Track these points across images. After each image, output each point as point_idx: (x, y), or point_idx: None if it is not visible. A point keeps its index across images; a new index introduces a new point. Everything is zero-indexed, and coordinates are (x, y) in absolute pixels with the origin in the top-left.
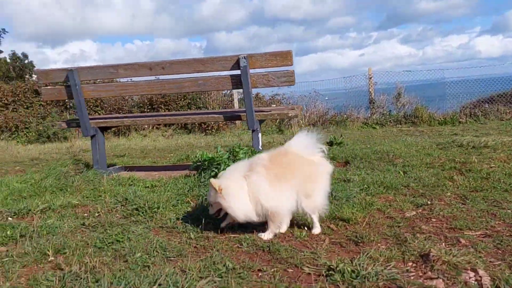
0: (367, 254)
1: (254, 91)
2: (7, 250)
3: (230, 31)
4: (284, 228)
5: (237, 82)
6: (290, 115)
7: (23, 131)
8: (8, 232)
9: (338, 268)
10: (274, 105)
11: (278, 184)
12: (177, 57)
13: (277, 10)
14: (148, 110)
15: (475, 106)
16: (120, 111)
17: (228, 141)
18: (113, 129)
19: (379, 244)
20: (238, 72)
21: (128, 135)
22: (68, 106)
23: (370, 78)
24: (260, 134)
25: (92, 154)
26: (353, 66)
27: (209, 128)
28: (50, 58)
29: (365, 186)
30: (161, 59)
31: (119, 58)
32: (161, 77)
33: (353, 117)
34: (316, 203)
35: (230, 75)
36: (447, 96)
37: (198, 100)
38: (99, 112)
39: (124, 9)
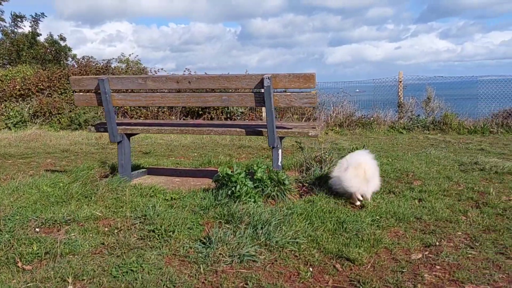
0: None
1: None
2: (31, 270)
3: (266, 18)
4: None
5: (260, 100)
6: (310, 134)
7: (56, 117)
8: (35, 248)
9: None
10: None
11: None
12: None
13: None
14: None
15: (508, 115)
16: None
17: (252, 140)
18: (142, 117)
19: None
20: (261, 90)
21: None
22: None
23: (400, 81)
24: (280, 151)
25: (118, 159)
26: (388, 59)
27: (234, 119)
28: (87, 37)
29: (377, 216)
30: (195, 42)
31: (154, 39)
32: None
33: (380, 120)
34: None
35: (253, 92)
36: (480, 97)
37: None
38: None
39: None
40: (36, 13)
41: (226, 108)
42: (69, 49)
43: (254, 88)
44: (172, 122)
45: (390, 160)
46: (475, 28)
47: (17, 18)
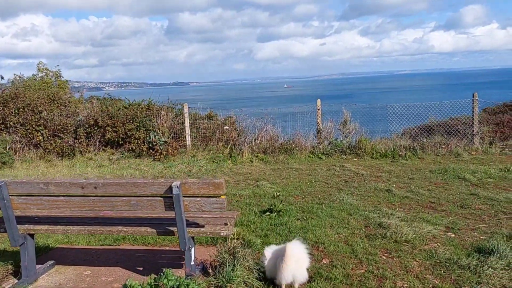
0: None
1: (207, 108)
2: None
3: (194, 12)
4: None
5: (170, 205)
6: (222, 234)
7: None
8: None
9: None
10: (227, 127)
11: None
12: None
13: None
14: (95, 130)
15: (416, 134)
16: (65, 131)
17: (176, 171)
18: (57, 149)
19: None
20: (171, 195)
21: (73, 157)
22: (8, 125)
23: (318, 109)
24: (193, 251)
25: (21, 260)
26: (314, 55)
27: (158, 153)
28: None
29: None
30: (119, 37)
31: (73, 33)
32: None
33: (302, 146)
34: None
35: (163, 197)
36: (390, 115)
37: (148, 122)
38: (41, 131)
39: None
40: None
41: (147, 138)
42: None
43: (163, 193)
44: (82, 217)
45: (305, 218)
46: (392, 25)
47: None
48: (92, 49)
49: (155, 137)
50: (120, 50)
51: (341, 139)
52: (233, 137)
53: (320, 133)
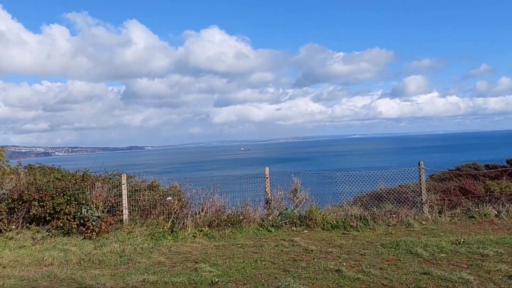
0: None
1: (154, 175)
2: None
3: (152, 78)
4: None
5: None
6: None
7: None
8: None
9: None
10: (170, 197)
11: None
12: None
13: (202, 61)
14: (19, 205)
15: (367, 202)
16: None
17: (107, 252)
18: None
19: None
20: None
21: None
22: None
23: (267, 178)
24: None
25: None
26: (270, 119)
27: (89, 230)
28: None
29: None
30: (73, 101)
31: (25, 98)
32: None
33: (250, 217)
34: None
35: None
36: (341, 180)
37: (80, 195)
38: None
39: (37, 48)
40: None
41: (79, 213)
42: None
43: None
44: None
45: None
46: (342, 93)
47: None
48: (43, 114)
49: (87, 211)
50: (73, 115)
51: (292, 208)
52: (175, 210)
53: (269, 203)
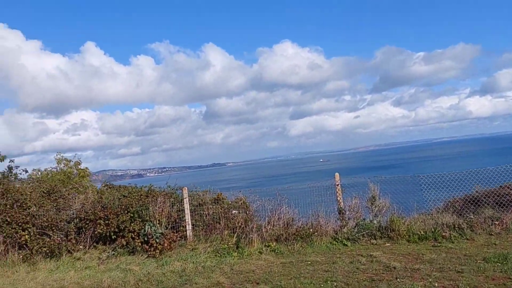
0: None
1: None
2: None
3: (230, 97)
4: None
5: None
6: None
7: None
8: None
9: None
10: (235, 211)
11: None
12: (177, 123)
13: (276, 76)
14: (86, 225)
15: (461, 208)
16: (54, 228)
17: (166, 272)
18: (44, 249)
19: None
20: None
21: (60, 257)
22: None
23: (337, 185)
24: None
25: None
26: (348, 128)
27: (152, 248)
28: (50, 128)
29: None
30: (160, 125)
31: (118, 125)
32: None
33: (322, 230)
34: None
35: None
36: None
37: (144, 211)
38: (29, 229)
39: (127, 78)
40: None
41: (142, 230)
42: None
43: None
44: None
45: None
46: (425, 94)
47: None
48: (135, 138)
49: (150, 228)
50: (161, 137)
51: (370, 218)
52: (240, 224)
53: (343, 213)
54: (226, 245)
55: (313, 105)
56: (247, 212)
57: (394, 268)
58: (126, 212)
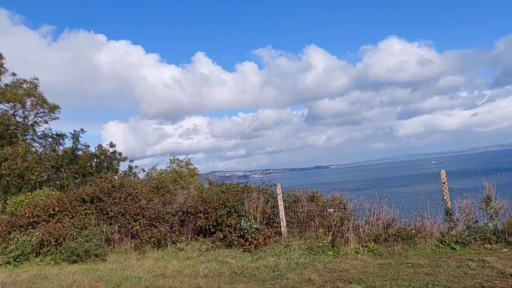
0: None
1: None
2: None
3: (333, 98)
4: None
5: None
6: None
7: (62, 246)
8: None
9: None
10: (332, 209)
11: None
12: (279, 126)
13: (381, 74)
14: (188, 218)
15: None
16: (161, 220)
17: (260, 266)
18: (153, 239)
19: None
20: None
21: (166, 247)
22: (110, 215)
23: (444, 183)
24: None
25: None
26: (464, 127)
27: (248, 242)
28: (168, 133)
29: None
30: (264, 128)
31: (226, 129)
32: None
33: (426, 232)
34: None
35: None
36: None
37: (240, 206)
38: (140, 220)
39: (233, 85)
40: (75, 130)
41: (238, 225)
42: (120, 156)
43: None
44: None
45: None
46: None
47: (57, 136)
48: (241, 142)
49: (246, 223)
50: (264, 140)
51: (485, 221)
52: (336, 222)
53: (450, 214)
54: (320, 243)
55: (424, 103)
56: (344, 211)
57: (510, 275)
58: (223, 206)
